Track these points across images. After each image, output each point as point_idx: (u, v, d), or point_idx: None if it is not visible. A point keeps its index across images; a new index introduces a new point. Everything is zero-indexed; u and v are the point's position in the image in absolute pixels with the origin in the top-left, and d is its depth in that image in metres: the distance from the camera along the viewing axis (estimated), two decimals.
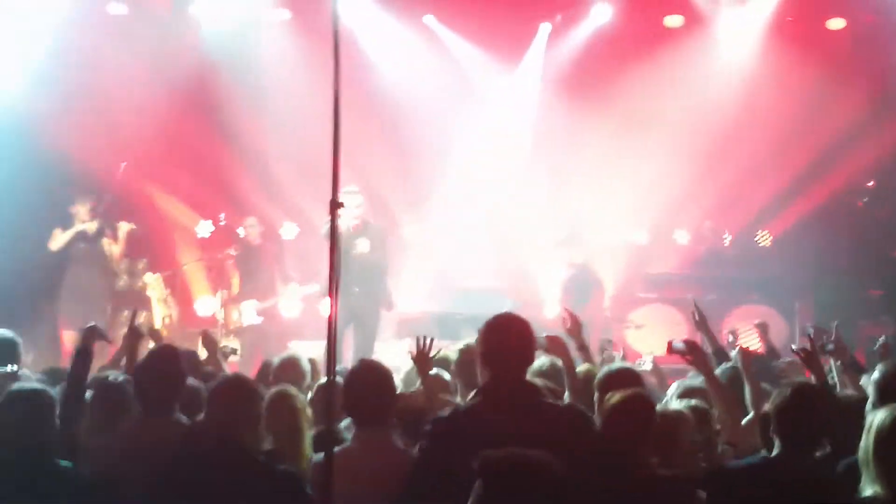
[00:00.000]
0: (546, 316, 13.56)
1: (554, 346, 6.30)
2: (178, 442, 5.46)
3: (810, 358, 7.07)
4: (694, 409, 5.99)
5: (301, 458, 5.63)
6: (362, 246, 12.06)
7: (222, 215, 14.29)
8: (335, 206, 4.54)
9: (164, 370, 5.93)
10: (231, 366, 8.66)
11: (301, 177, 14.14)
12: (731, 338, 10.59)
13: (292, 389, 6.05)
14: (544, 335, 6.20)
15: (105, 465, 5.55)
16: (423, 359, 6.31)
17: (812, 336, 7.74)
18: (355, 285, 11.69)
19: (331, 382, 4.74)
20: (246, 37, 14.70)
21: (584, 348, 7.09)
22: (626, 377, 5.82)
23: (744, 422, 6.20)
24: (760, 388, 6.48)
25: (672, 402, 6.46)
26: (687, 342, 6.52)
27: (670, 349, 6.62)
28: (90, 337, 6.61)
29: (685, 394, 6.52)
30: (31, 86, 13.52)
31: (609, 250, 14.83)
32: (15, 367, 7.13)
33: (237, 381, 5.57)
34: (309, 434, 5.85)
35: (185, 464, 5.13)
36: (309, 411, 6.03)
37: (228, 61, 14.54)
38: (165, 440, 5.46)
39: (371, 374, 5.47)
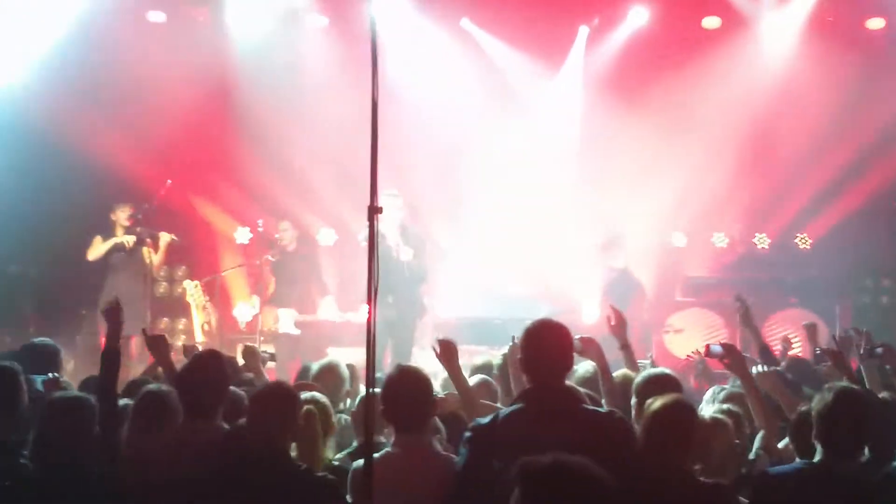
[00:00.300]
0: (585, 322, 13.50)
1: (587, 347, 6.25)
2: (221, 447, 5.47)
3: (837, 360, 7.04)
4: (728, 413, 5.95)
5: (316, 463, 5.64)
6: (405, 254, 12.07)
7: (260, 221, 14.32)
8: (374, 211, 4.51)
9: (209, 374, 5.93)
10: (268, 372, 8.66)
11: (339, 182, 14.17)
12: (784, 345, 10.55)
13: (317, 395, 6.08)
14: (578, 336, 6.16)
15: (146, 470, 5.56)
16: (448, 354, 6.23)
17: (842, 339, 7.71)
18: (394, 290, 11.71)
19: (370, 391, 4.73)
20: (283, 43, 14.73)
21: (626, 347, 7.03)
22: (665, 382, 5.78)
23: (781, 445, 6.10)
24: (793, 401, 6.39)
25: (705, 407, 6.42)
26: (724, 345, 6.47)
27: (707, 352, 6.57)
28: (115, 328, 6.50)
29: (727, 399, 6.48)
30: (71, 95, 13.62)
31: (647, 253, 14.76)
32: (56, 375, 7.18)
33: (280, 389, 5.56)
34: (324, 439, 5.87)
35: (225, 470, 5.14)
36: (337, 418, 6.03)
37: (266, 68, 14.58)
38: (208, 445, 5.47)
39: (408, 380, 5.41)
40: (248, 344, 8.94)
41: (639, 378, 5.97)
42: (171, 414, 5.96)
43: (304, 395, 5.99)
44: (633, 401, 5.75)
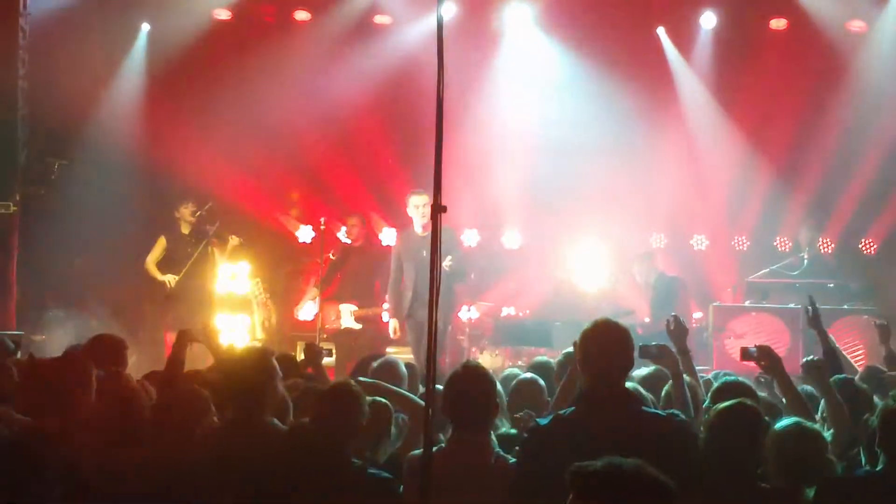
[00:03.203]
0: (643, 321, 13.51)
1: (663, 353, 6.20)
2: (269, 446, 5.44)
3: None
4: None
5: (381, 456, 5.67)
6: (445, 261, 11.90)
7: (322, 220, 14.29)
8: (437, 210, 4.47)
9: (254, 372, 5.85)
10: (327, 370, 8.69)
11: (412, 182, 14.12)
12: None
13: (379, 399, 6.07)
14: (654, 343, 6.16)
15: (192, 467, 5.50)
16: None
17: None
18: (420, 296, 11.72)
19: (430, 388, 4.70)
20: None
21: (685, 352, 6.91)
22: (739, 389, 5.75)
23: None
24: (838, 405, 6.19)
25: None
26: (760, 347, 6.39)
27: (744, 355, 6.49)
28: (182, 343, 6.85)
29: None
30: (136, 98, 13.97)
31: (709, 257, 14.74)
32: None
33: (346, 389, 5.53)
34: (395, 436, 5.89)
35: (278, 468, 5.16)
36: (395, 417, 6.04)
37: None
38: (252, 445, 5.42)
39: (474, 378, 5.42)
40: (312, 343, 9.02)
41: (716, 383, 5.94)
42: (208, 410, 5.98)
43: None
44: (706, 403, 5.73)
